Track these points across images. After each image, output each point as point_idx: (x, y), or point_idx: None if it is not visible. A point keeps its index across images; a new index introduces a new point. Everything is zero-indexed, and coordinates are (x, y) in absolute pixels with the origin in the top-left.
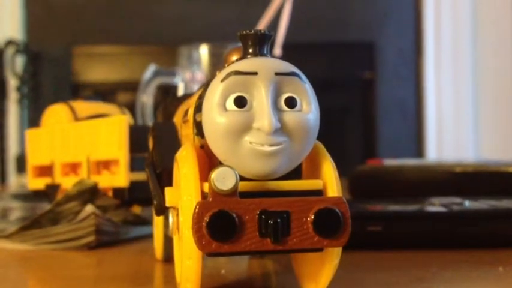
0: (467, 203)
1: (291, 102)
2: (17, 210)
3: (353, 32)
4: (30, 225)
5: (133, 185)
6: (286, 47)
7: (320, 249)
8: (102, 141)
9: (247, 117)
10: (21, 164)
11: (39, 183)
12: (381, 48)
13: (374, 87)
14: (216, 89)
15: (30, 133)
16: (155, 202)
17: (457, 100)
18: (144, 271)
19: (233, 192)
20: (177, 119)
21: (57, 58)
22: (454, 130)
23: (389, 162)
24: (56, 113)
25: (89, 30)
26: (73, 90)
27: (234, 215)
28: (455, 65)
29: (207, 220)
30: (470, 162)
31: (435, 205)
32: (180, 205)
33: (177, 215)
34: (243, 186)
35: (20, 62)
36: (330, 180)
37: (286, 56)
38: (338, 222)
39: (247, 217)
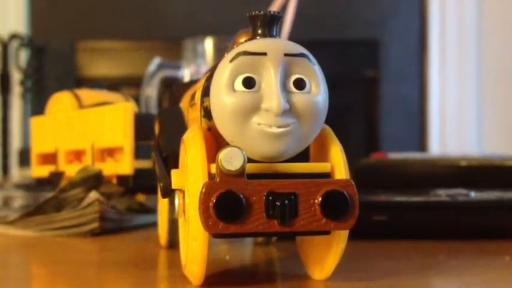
0: (473, 194)
1: (299, 84)
2: (19, 199)
3: (357, 30)
4: (34, 211)
5: (138, 172)
6: None
7: (327, 232)
8: (106, 128)
9: (256, 98)
10: (24, 157)
11: (43, 171)
12: (385, 46)
13: (378, 85)
14: (225, 69)
15: (35, 121)
16: (161, 184)
17: (461, 98)
18: (148, 257)
19: (241, 173)
20: (184, 104)
21: (61, 52)
22: (457, 128)
23: (394, 155)
24: (60, 101)
25: (93, 25)
26: (77, 84)
27: (241, 196)
28: (459, 63)
29: (214, 200)
30: (475, 156)
31: (441, 196)
32: (186, 186)
33: (183, 197)
34: (251, 167)
35: (24, 56)
36: (338, 164)
37: None
38: (346, 204)
39: (254, 198)
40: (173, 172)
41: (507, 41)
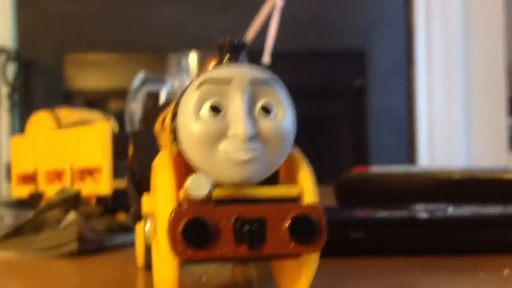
0: (450, 210)
1: (266, 110)
2: (7, 218)
3: (344, 40)
4: (13, 233)
5: (117, 192)
6: (276, 55)
7: (297, 256)
8: (85, 148)
9: (222, 124)
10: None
11: (23, 191)
12: (372, 56)
13: (365, 95)
14: (191, 96)
15: (15, 141)
16: (132, 209)
17: (449, 108)
18: (127, 279)
19: (207, 200)
20: (157, 127)
21: (49, 66)
22: (445, 138)
23: (375, 169)
24: (40, 121)
25: (81, 38)
26: (65, 98)
27: (208, 223)
28: (446, 72)
29: (182, 227)
30: (456, 169)
31: (419, 212)
32: (156, 212)
33: (154, 222)
34: (218, 193)
35: (11, 69)
36: (306, 187)
37: (276, 65)
38: (313, 229)
39: (222, 224)
40: (144, 197)
41: (494, 49)
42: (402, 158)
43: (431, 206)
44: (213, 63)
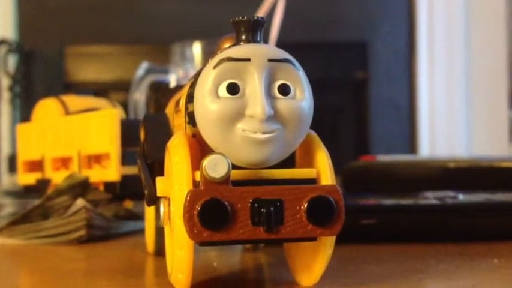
0: (462, 197)
1: (284, 90)
2: (8, 207)
3: (346, 32)
4: (20, 220)
5: (125, 179)
6: (278, 46)
7: (314, 239)
8: (93, 135)
9: (240, 104)
10: (13, 163)
11: (29, 179)
12: (374, 48)
13: (367, 87)
14: (208, 75)
15: (21, 128)
16: (146, 192)
17: (450, 99)
18: (136, 265)
19: (225, 180)
20: (169, 110)
21: (50, 57)
22: (447, 130)
23: (383, 158)
24: (46, 107)
25: (82, 30)
26: (66, 89)
27: (226, 203)
28: (448, 65)
29: (199, 208)
30: (463, 158)
31: (429, 199)
32: (171, 194)
33: (169, 204)
34: (235, 174)
35: (12, 61)
36: (323, 169)
37: None
38: (331, 210)
39: (239, 205)
40: (158, 179)
41: (496, 42)
42: (404, 149)
43: (441, 194)
44: (228, 44)
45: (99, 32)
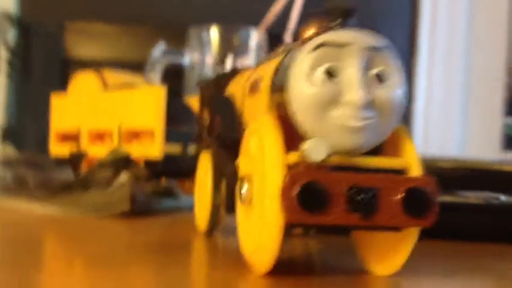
0: (504, 198)
1: (381, 77)
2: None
3: None
4: (61, 190)
5: (166, 157)
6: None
7: (399, 229)
8: (137, 111)
9: (337, 89)
10: (7, 135)
11: (62, 150)
12: None
13: None
14: (305, 59)
15: (55, 98)
16: (228, 170)
17: (446, 103)
18: (180, 241)
19: (323, 165)
20: (236, 92)
21: (49, 32)
22: (440, 132)
23: None
24: (84, 81)
25: (84, 6)
26: (63, 65)
27: (324, 188)
28: (447, 68)
29: (298, 190)
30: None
31: (473, 198)
32: (259, 174)
33: (252, 185)
34: (331, 159)
35: (11, 34)
36: (413, 160)
37: None
38: (427, 202)
39: (336, 191)
40: (241, 159)
41: (496, 50)
42: None
43: (478, 193)
44: (312, 29)
45: (100, 10)
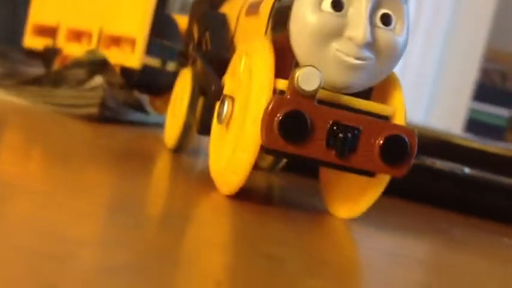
0: (467, 170)
1: (386, 20)
2: None
3: None
4: (30, 81)
5: (144, 69)
6: None
7: (372, 175)
8: (121, 16)
9: (341, 22)
10: None
11: (37, 43)
12: None
13: None
14: None
15: None
16: (213, 87)
17: (421, 71)
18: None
19: (312, 96)
20: (231, 11)
21: None
22: (409, 99)
23: None
24: None
25: None
26: None
27: (308, 119)
28: (427, 42)
29: (280, 117)
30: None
31: (437, 164)
32: (243, 96)
33: (232, 105)
34: (320, 92)
35: None
36: (399, 109)
37: None
38: (405, 152)
39: (319, 124)
40: (227, 78)
41: (477, 36)
42: None
43: (444, 162)
44: None
45: None
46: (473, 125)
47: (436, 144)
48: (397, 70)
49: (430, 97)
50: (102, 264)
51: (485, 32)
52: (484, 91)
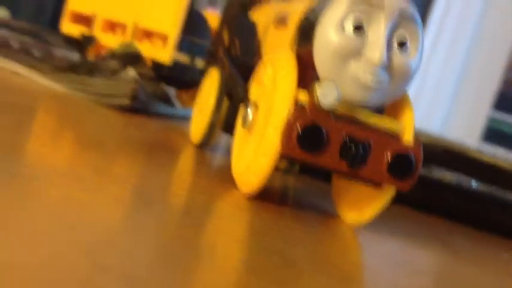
0: (475, 184)
1: (402, 43)
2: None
3: None
4: (67, 69)
5: (175, 65)
6: None
7: (380, 185)
8: (156, 11)
9: (360, 43)
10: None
11: (74, 30)
12: None
13: None
14: (339, 8)
15: None
16: (239, 91)
17: (439, 86)
18: (172, 146)
19: (329, 110)
20: (261, 19)
21: None
22: (428, 106)
23: None
24: None
25: None
26: None
27: (324, 132)
28: (450, 50)
29: (300, 128)
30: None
31: (447, 176)
32: (267, 104)
33: (257, 111)
34: (337, 107)
35: None
36: (409, 126)
37: None
38: (411, 168)
39: (334, 136)
40: (253, 84)
41: (501, 45)
42: None
43: (452, 174)
44: None
45: None
46: (492, 134)
47: (447, 155)
48: (417, 75)
49: (450, 104)
50: (128, 252)
51: (509, 42)
52: (505, 100)
